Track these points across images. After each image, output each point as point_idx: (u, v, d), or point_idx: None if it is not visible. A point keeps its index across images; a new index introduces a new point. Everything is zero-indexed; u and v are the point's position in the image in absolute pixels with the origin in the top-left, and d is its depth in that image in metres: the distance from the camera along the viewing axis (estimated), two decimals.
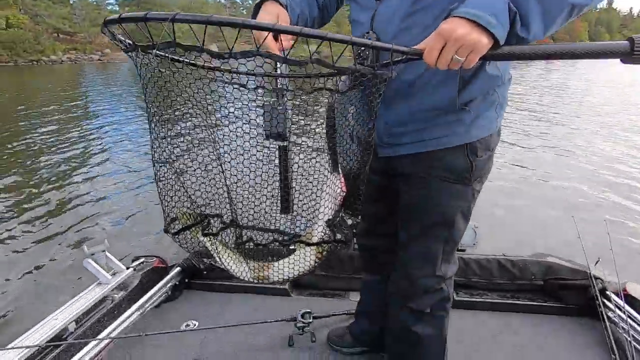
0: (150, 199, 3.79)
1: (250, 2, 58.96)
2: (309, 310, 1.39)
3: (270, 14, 0.83)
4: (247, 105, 0.73)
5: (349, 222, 0.89)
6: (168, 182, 0.78)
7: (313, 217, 0.87)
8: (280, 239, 0.83)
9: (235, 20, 0.56)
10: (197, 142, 0.78)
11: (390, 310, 1.11)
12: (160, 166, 0.76)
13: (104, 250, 1.37)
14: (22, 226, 3.34)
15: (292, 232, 0.88)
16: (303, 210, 0.88)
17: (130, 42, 0.61)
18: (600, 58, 0.71)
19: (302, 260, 0.84)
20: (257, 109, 0.76)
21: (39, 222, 3.43)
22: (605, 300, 1.42)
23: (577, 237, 1.55)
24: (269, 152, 0.79)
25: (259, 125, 0.77)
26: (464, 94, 0.85)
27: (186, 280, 1.66)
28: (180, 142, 0.77)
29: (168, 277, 1.57)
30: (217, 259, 0.82)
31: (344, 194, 0.84)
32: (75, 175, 4.67)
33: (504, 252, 1.73)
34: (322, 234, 0.82)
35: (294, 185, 0.85)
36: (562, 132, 7.15)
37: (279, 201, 0.86)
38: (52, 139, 6.48)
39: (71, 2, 41.02)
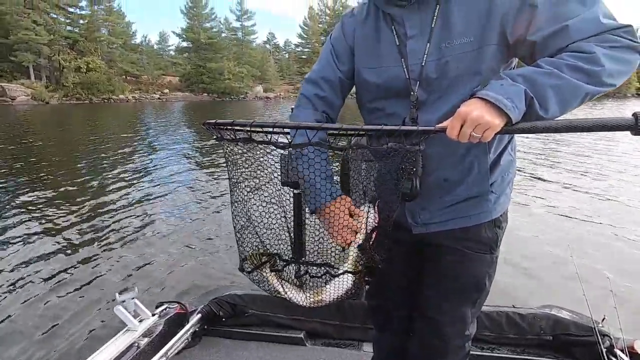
0: (176, 245, 3.90)
1: (292, 47, 62.58)
2: None
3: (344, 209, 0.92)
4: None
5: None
6: (243, 229, 0.94)
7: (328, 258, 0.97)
8: (332, 271, 0.95)
9: (289, 124, 0.80)
10: (265, 198, 0.95)
11: None
12: (237, 216, 0.93)
13: (133, 298, 1.50)
14: (60, 262, 3.53)
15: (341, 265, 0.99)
16: (316, 253, 0.97)
17: (220, 135, 0.84)
18: (609, 131, 0.75)
19: (345, 283, 0.95)
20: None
21: (75, 258, 3.63)
22: (613, 359, 1.40)
23: (582, 292, 1.54)
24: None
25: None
26: (492, 176, 0.99)
27: (205, 327, 1.74)
28: (254, 200, 0.95)
29: (188, 325, 1.66)
30: (280, 290, 0.96)
31: (377, 225, 0.93)
32: (119, 211, 4.96)
33: (510, 301, 1.74)
34: (357, 258, 0.93)
35: (306, 232, 0.95)
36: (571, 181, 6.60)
37: (291, 245, 0.95)
38: (104, 173, 7.05)
39: (139, 49, 46.18)
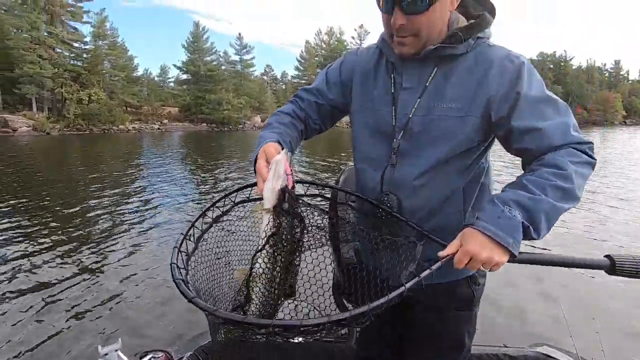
0: (162, 288, 3.75)
1: (288, 78, 64.31)
2: None
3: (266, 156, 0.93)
4: None
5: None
6: None
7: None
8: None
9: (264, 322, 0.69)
10: None
11: None
12: None
13: (117, 350, 1.48)
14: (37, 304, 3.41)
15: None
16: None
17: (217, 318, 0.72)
18: (585, 268, 0.87)
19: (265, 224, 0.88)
20: None
21: (57, 301, 3.46)
22: None
23: (569, 333, 1.58)
24: None
25: None
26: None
27: None
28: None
29: None
30: None
31: (287, 186, 0.88)
32: (102, 250, 4.87)
33: (501, 340, 1.72)
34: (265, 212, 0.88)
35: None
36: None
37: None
38: (92, 208, 7.03)
39: (140, 81, 47.32)
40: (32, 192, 8.57)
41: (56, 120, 35.74)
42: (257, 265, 0.87)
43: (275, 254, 0.88)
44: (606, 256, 0.82)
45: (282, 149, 0.96)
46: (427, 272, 0.78)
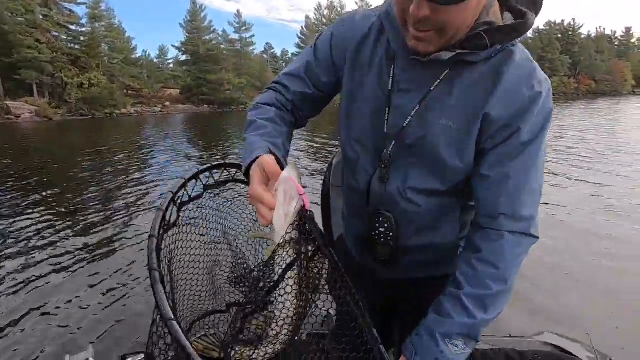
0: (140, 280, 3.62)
1: (289, 56, 63.25)
2: None
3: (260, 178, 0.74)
4: None
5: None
6: None
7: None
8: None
9: None
10: None
11: None
12: None
13: (88, 359, 1.39)
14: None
15: None
16: None
17: None
18: None
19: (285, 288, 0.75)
20: None
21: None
22: None
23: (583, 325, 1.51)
24: None
25: None
26: (462, 233, 0.95)
27: None
28: None
29: None
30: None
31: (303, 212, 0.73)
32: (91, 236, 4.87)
33: (508, 330, 1.62)
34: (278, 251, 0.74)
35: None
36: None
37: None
38: (93, 194, 7.09)
39: (139, 63, 46.83)
40: (31, 178, 8.63)
41: (58, 106, 35.71)
42: (282, 305, 0.75)
43: (301, 290, 0.75)
44: None
45: (279, 159, 0.78)
46: None
